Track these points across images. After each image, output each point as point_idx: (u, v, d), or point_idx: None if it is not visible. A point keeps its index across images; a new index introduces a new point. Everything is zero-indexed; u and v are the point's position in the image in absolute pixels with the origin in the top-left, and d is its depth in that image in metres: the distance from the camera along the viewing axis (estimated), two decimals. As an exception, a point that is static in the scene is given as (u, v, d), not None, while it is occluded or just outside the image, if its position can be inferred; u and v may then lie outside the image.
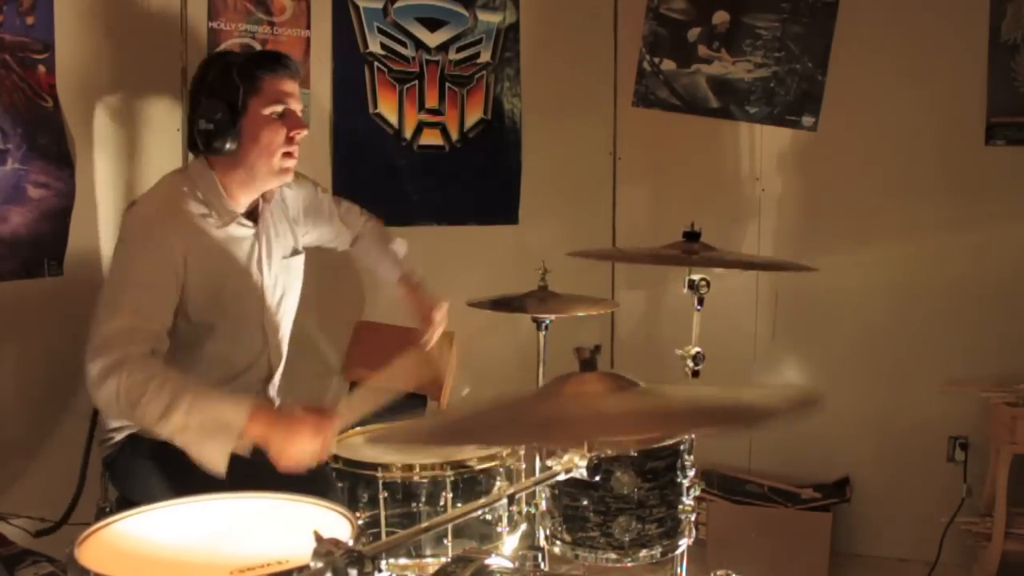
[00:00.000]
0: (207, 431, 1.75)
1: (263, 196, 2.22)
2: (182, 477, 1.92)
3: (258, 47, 2.87)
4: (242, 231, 2.17)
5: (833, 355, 3.43)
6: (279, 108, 2.10)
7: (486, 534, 1.84)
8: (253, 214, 2.22)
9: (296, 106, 2.14)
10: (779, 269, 3.24)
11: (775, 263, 3.22)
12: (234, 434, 1.74)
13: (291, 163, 2.15)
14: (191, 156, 2.27)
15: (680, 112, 3.57)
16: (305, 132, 2.16)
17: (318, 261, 2.46)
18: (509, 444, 1.78)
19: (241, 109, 2.07)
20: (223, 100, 2.06)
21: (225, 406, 1.77)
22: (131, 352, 1.81)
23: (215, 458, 1.73)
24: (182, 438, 1.77)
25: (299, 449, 1.73)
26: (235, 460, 2.01)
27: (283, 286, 2.28)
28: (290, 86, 2.12)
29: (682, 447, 1.81)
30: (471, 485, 1.80)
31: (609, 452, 1.63)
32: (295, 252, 2.34)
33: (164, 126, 2.71)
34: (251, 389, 2.24)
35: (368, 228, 2.59)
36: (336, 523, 1.43)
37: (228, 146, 2.07)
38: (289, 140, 2.11)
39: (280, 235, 2.29)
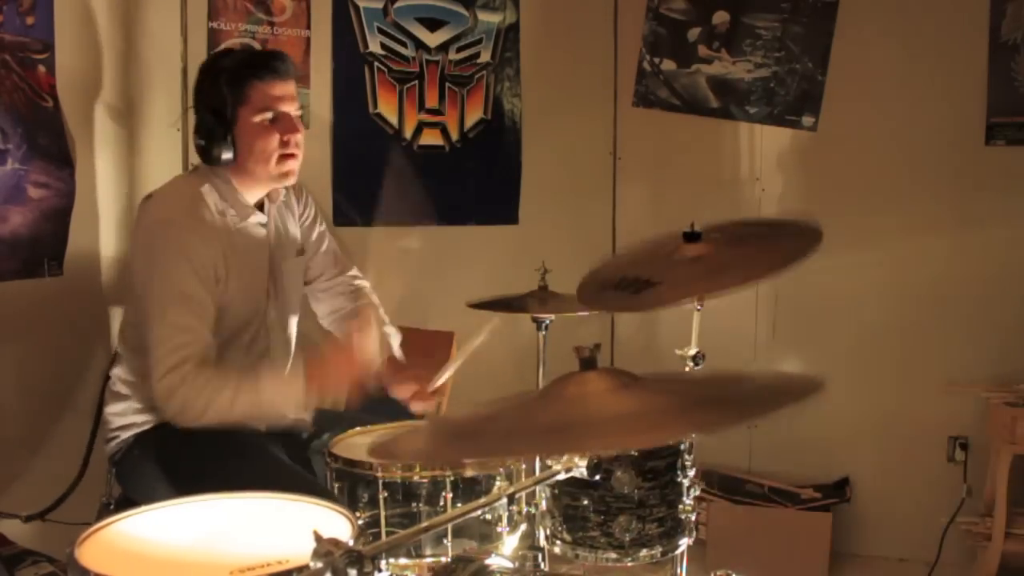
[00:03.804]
0: (276, 405, 1.98)
1: (268, 196, 2.23)
2: (187, 478, 1.93)
3: (258, 47, 2.87)
4: (258, 227, 2.19)
5: (833, 355, 3.43)
6: (269, 115, 2.08)
7: (486, 534, 1.84)
8: (261, 209, 2.23)
9: (289, 107, 2.10)
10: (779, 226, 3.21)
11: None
12: (301, 404, 1.99)
13: (291, 164, 2.14)
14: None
15: (680, 112, 3.57)
16: (300, 135, 2.13)
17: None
18: (517, 456, 1.77)
19: (232, 119, 2.06)
20: (214, 112, 2.06)
21: (282, 385, 1.98)
22: (187, 369, 1.93)
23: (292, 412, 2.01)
24: (258, 418, 2.00)
25: (344, 383, 2.00)
26: (237, 460, 2.03)
27: (294, 282, 2.31)
28: (280, 89, 2.09)
29: (682, 447, 1.81)
30: (471, 485, 1.80)
31: (609, 451, 1.63)
32: (300, 252, 2.35)
33: (164, 126, 2.71)
34: None
35: (370, 295, 2.44)
36: (336, 523, 1.43)
37: (225, 156, 2.08)
38: (284, 143, 2.10)
39: (288, 233, 2.30)
